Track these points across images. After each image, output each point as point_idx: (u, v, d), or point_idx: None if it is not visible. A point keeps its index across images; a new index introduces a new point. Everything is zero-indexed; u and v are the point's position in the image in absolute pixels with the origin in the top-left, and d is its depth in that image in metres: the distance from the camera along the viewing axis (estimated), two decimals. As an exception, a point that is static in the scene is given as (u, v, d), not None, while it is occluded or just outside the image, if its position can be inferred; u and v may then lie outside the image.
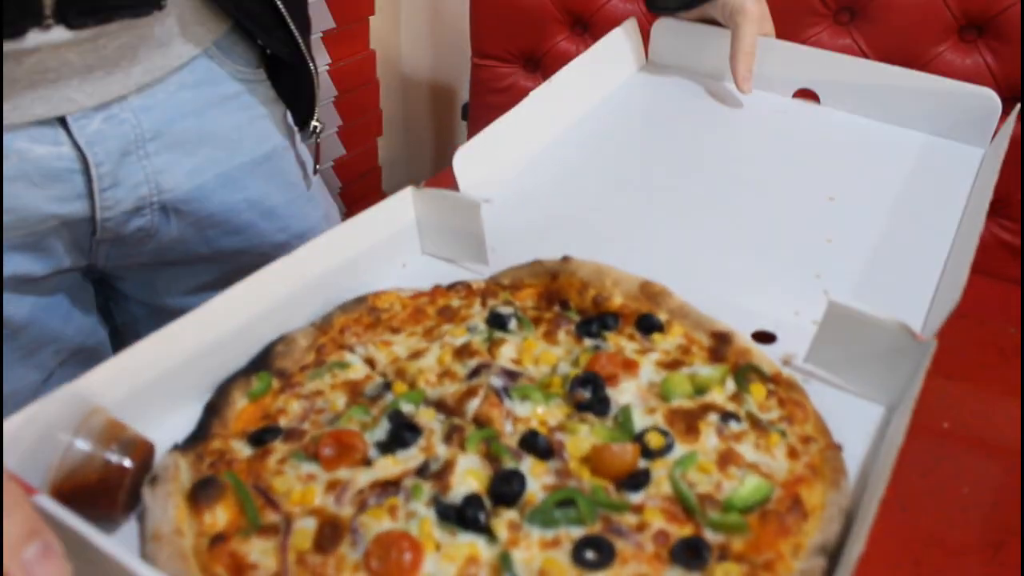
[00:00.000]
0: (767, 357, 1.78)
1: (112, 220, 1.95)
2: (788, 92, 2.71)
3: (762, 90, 2.71)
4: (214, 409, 1.68)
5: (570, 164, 2.48)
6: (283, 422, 1.67)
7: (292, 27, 2.02)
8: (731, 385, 1.73)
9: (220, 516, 1.49)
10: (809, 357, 1.80)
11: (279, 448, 1.60)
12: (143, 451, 1.50)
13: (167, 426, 1.69)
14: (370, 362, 1.80)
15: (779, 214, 2.27)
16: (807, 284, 1.99)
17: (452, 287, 1.97)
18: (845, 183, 2.29)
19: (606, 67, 2.75)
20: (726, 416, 1.64)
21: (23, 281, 1.94)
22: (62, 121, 1.79)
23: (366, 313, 1.88)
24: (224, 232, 2.15)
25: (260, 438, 1.62)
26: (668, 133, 2.56)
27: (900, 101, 2.54)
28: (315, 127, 2.23)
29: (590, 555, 1.42)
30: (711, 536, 1.46)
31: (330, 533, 1.46)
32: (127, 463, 1.46)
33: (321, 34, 3.84)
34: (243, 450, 1.61)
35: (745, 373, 1.74)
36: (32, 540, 0.91)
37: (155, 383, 1.66)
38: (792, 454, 1.59)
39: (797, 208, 2.27)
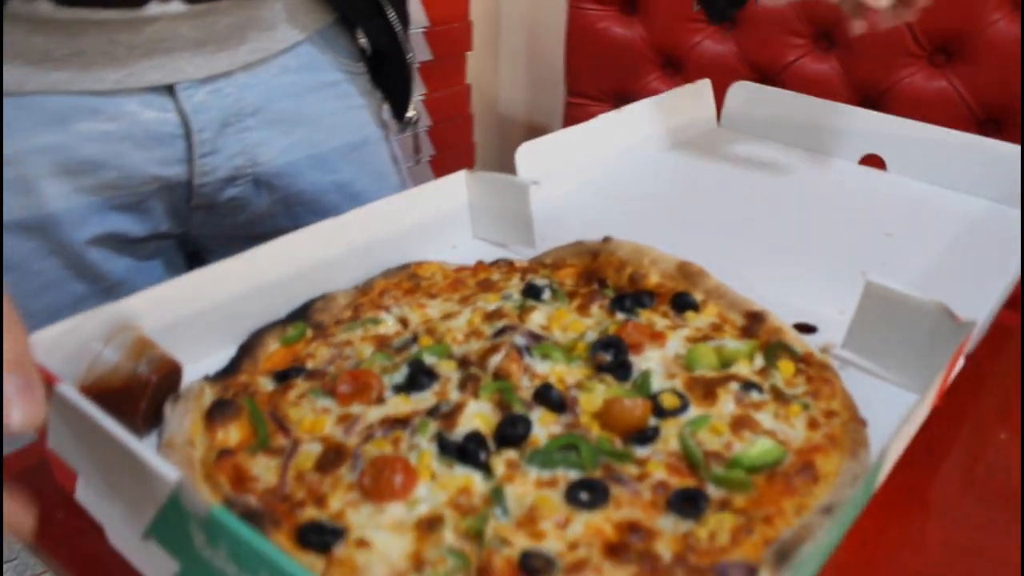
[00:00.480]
0: (801, 339, 1.71)
1: (208, 186, 2.04)
2: (854, 157, 2.66)
3: (827, 155, 2.68)
4: (247, 349, 1.72)
5: (627, 181, 2.47)
6: (309, 365, 1.69)
7: (391, 16, 2.12)
8: (760, 361, 1.66)
9: (232, 434, 1.51)
10: (847, 343, 1.71)
11: (300, 385, 1.62)
12: (169, 369, 1.54)
13: (202, 364, 1.73)
14: (403, 321, 1.81)
15: (835, 237, 2.21)
16: (857, 290, 1.91)
17: (495, 263, 1.97)
18: (903, 228, 2.20)
19: (676, 113, 2.75)
20: (748, 385, 1.57)
21: (122, 241, 2.04)
22: (170, 89, 1.90)
23: (406, 279, 1.90)
24: (311, 211, 2.23)
25: (284, 376, 1.64)
26: (730, 178, 2.53)
27: (968, 167, 2.45)
28: (410, 117, 2.31)
29: (583, 496, 1.38)
30: (713, 491, 1.39)
31: (332, 457, 1.46)
32: (151, 376, 1.50)
33: (419, 64, 3.97)
34: (267, 385, 1.63)
35: (775, 350, 1.67)
36: (15, 371, 0.92)
37: (195, 319, 1.70)
38: (812, 425, 1.51)
39: (853, 239, 2.19)
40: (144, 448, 1.19)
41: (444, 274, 1.92)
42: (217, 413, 1.52)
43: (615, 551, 1.29)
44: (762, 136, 2.75)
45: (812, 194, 2.36)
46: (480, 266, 1.96)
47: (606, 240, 1.91)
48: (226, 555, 1.16)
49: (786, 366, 1.63)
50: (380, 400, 1.56)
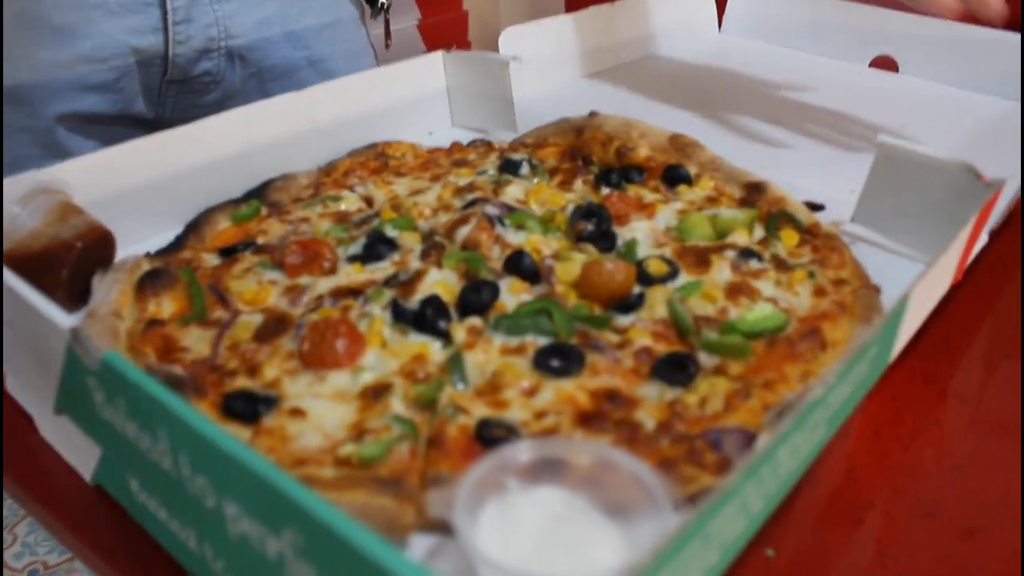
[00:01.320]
0: (806, 209, 1.48)
1: (182, 58, 1.89)
2: (865, 60, 2.39)
3: (835, 58, 2.41)
4: (194, 227, 1.50)
5: (619, 76, 2.23)
6: (260, 240, 1.47)
7: None
8: (760, 233, 1.44)
9: (166, 306, 1.30)
10: (857, 214, 1.48)
11: (247, 259, 1.40)
12: (97, 237, 1.33)
13: (145, 245, 1.52)
14: (367, 200, 1.59)
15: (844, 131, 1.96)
16: (839, 164, 1.67)
17: (472, 143, 1.75)
18: (918, 127, 1.94)
19: (676, 9, 2.52)
20: (746, 253, 1.35)
21: (91, 120, 1.89)
22: None
23: (373, 158, 1.67)
24: (284, 87, 2.08)
25: (231, 251, 1.43)
26: (730, 80, 2.28)
27: (988, 65, 2.17)
28: (383, 3, 2.16)
29: (554, 362, 1.15)
30: (704, 359, 1.17)
31: (273, 327, 1.24)
32: (75, 242, 1.29)
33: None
34: (211, 261, 1.42)
35: (776, 220, 1.44)
36: None
37: (137, 194, 1.49)
38: (819, 293, 1.28)
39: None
40: (39, 298, 0.99)
41: (416, 154, 1.71)
42: (149, 283, 1.31)
43: (588, 420, 1.07)
44: (765, 39, 2.51)
45: (819, 96, 2.11)
46: (456, 147, 1.73)
47: (592, 115, 1.69)
48: (124, 413, 0.95)
49: (789, 235, 1.40)
50: (332, 271, 1.34)
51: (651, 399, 1.10)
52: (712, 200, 1.49)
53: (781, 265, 1.33)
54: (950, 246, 1.20)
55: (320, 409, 1.09)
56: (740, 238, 1.39)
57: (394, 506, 0.95)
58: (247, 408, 1.08)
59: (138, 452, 0.94)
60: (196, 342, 1.22)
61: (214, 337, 1.22)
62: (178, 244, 1.46)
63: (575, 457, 0.96)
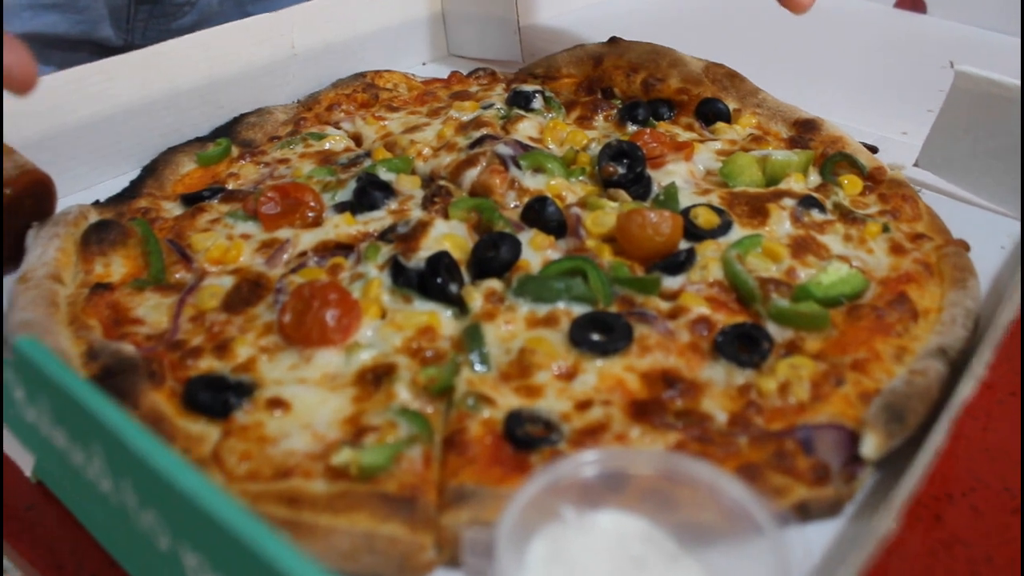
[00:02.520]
0: (867, 151, 1.22)
1: None
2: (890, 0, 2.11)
3: None
4: (152, 170, 1.21)
5: (638, 7, 1.94)
6: (231, 186, 1.19)
7: None
8: (815, 178, 1.18)
9: (116, 267, 1.02)
10: (923, 158, 1.23)
11: (214, 208, 1.12)
12: (29, 183, 1.03)
13: (95, 191, 1.24)
14: (355, 138, 1.30)
15: (878, 69, 1.68)
16: (918, 113, 1.42)
17: (473, 73, 1.47)
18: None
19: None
20: (807, 202, 1.09)
21: (50, 42, 1.58)
22: None
23: (362, 90, 1.39)
24: (265, 7, 1.76)
25: (195, 198, 1.14)
26: (753, 19, 1.96)
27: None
28: None
29: (595, 336, 0.90)
30: (774, 331, 0.93)
31: (247, 292, 0.97)
32: (2, 189, 1.01)
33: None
34: (173, 210, 1.14)
35: (834, 163, 1.19)
36: None
37: (83, 130, 1.18)
38: (897, 250, 1.03)
39: (900, 73, 1.66)
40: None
41: (410, 86, 1.42)
42: (95, 238, 1.03)
43: (644, 411, 0.82)
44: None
45: (845, 38, 1.81)
46: (455, 77, 1.45)
47: (613, 41, 1.41)
48: (49, 418, 0.69)
49: (852, 181, 1.14)
50: (317, 222, 1.07)
51: (717, 384, 0.85)
52: (757, 140, 1.22)
53: (847, 216, 1.07)
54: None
55: (307, 399, 0.83)
56: (795, 184, 1.13)
57: (407, 536, 0.70)
58: (214, 400, 0.81)
59: (70, 467, 0.68)
60: (152, 312, 0.95)
61: (174, 305, 0.95)
62: (133, 191, 1.17)
63: (638, 468, 0.71)
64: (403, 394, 0.83)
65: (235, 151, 1.25)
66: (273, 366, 0.86)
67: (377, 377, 0.84)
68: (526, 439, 0.78)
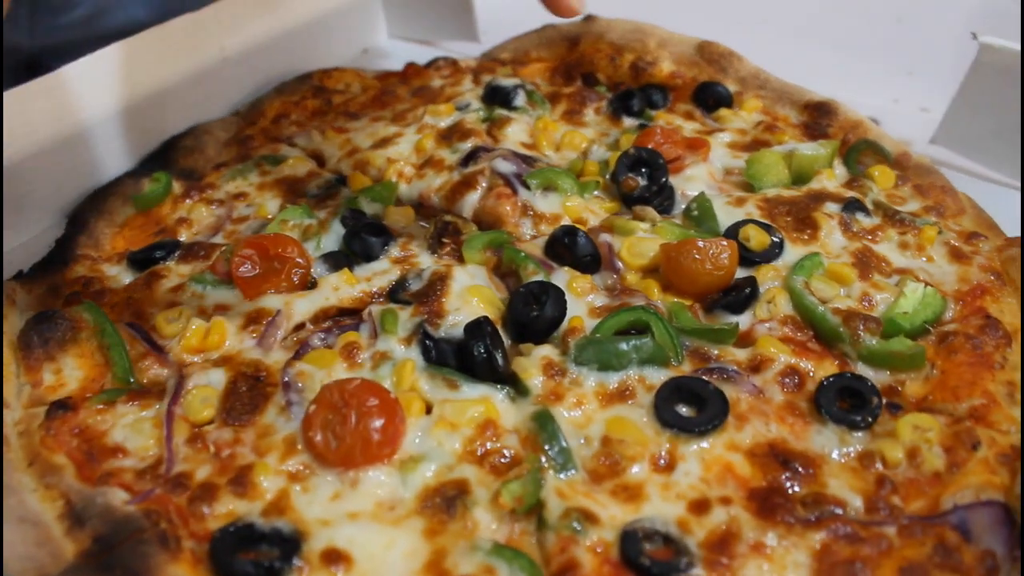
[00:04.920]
0: (889, 136, 1.09)
1: None
2: None
3: None
4: (80, 221, 0.96)
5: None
6: (184, 236, 0.96)
7: None
8: (841, 170, 1.05)
9: (70, 371, 0.80)
10: (941, 135, 1.11)
11: (174, 270, 0.90)
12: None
13: (14, 255, 0.98)
14: (316, 156, 1.09)
15: (842, 22, 1.53)
16: (899, 77, 1.30)
17: (432, 63, 1.25)
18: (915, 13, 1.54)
19: None
20: (850, 205, 0.95)
21: None
22: None
23: (310, 94, 1.16)
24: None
25: (147, 258, 0.92)
26: None
27: None
28: None
29: (685, 410, 0.76)
30: (870, 374, 0.80)
31: (247, 392, 0.76)
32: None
33: None
34: (121, 276, 0.91)
35: (860, 152, 1.05)
36: None
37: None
38: (958, 256, 0.91)
39: (863, 25, 1.52)
40: None
41: (363, 83, 1.20)
42: (37, 339, 0.79)
43: (769, 506, 0.68)
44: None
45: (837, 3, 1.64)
46: (412, 68, 1.23)
47: (589, 19, 1.22)
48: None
49: (884, 173, 1.01)
50: (306, 282, 0.87)
51: (832, 454, 0.72)
52: (769, 128, 1.07)
53: (893, 218, 0.94)
54: None
55: (368, 543, 0.65)
56: (828, 182, 0.99)
57: None
58: (257, 570, 0.62)
59: None
60: (133, 434, 0.74)
61: (159, 421, 0.74)
62: (63, 253, 0.92)
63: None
64: (486, 520, 0.66)
65: (177, 186, 1.01)
66: (311, 499, 0.67)
67: (448, 501, 0.67)
68: (653, 569, 0.62)
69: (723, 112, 1.11)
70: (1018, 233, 0.96)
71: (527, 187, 0.96)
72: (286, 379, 0.76)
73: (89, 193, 1.01)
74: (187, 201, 0.99)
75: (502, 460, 0.70)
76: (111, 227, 0.96)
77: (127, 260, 0.91)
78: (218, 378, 0.77)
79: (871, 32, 1.43)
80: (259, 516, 0.66)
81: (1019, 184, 1.07)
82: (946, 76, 1.21)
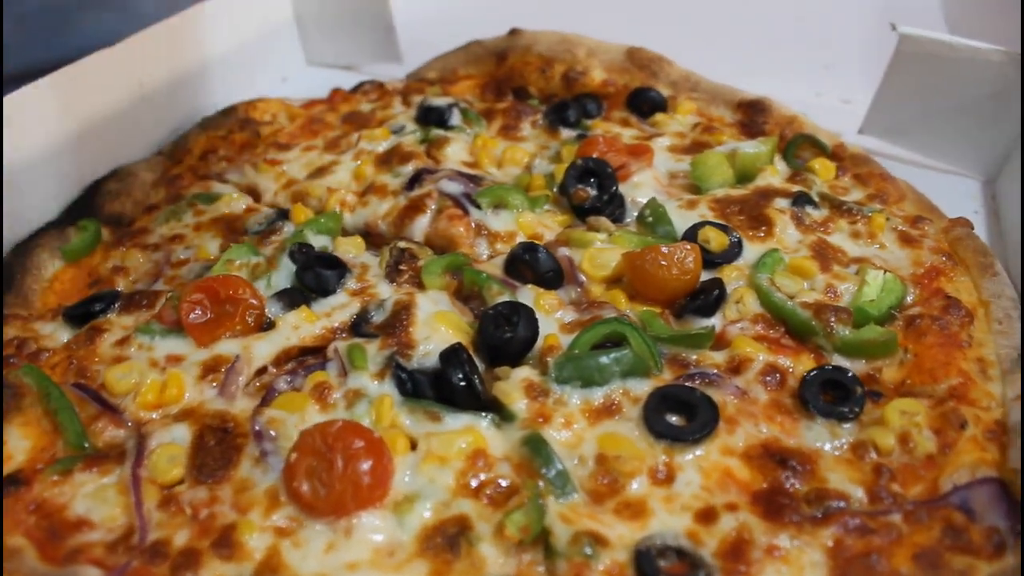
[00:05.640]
0: (823, 129, 1.11)
1: None
2: None
3: None
4: (5, 279, 0.89)
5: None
6: (122, 286, 0.90)
7: None
8: (782, 166, 1.06)
9: (15, 442, 0.73)
10: (868, 124, 1.13)
11: (116, 323, 0.83)
12: None
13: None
14: (252, 192, 1.04)
15: (740, 13, 1.56)
16: (817, 72, 1.34)
17: (358, 88, 1.21)
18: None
19: None
20: (799, 200, 0.96)
21: None
22: None
23: (237, 127, 1.10)
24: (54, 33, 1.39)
25: (85, 312, 0.85)
26: None
27: None
28: None
29: (675, 419, 0.74)
30: (846, 364, 0.80)
31: (216, 446, 0.71)
32: None
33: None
34: (57, 334, 0.84)
35: (798, 146, 1.07)
36: None
37: None
38: (908, 240, 0.92)
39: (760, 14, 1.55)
40: None
41: (290, 113, 1.15)
42: (-27, 409, 0.73)
43: (775, 508, 0.67)
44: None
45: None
46: (339, 94, 1.19)
47: (514, 33, 1.20)
48: None
49: (824, 166, 1.02)
50: (262, 322, 0.82)
51: (826, 448, 0.71)
52: (707, 130, 1.08)
53: (840, 208, 0.95)
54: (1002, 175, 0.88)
55: (374, 595, 0.61)
56: (773, 178, 1.00)
57: None
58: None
59: None
60: (97, 504, 0.68)
61: (124, 486, 0.68)
62: (-11, 314, 0.85)
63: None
64: (492, 556, 0.63)
65: (106, 233, 0.95)
66: (304, 553, 0.63)
67: (450, 539, 0.63)
68: (670, 584, 0.60)
69: (659, 117, 1.11)
70: (957, 214, 0.99)
71: (477, 206, 0.94)
72: (257, 428, 0.71)
73: (10, 249, 0.93)
74: (120, 248, 0.93)
75: (498, 491, 0.67)
76: (39, 282, 0.89)
77: (63, 316, 0.84)
78: (182, 434, 0.72)
79: (783, 29, 1.46)
80: (252, 578, 0.62)
81: (949, 167, 1.11)
82: (863, 67, 1.25)
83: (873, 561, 0.62)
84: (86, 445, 0.72)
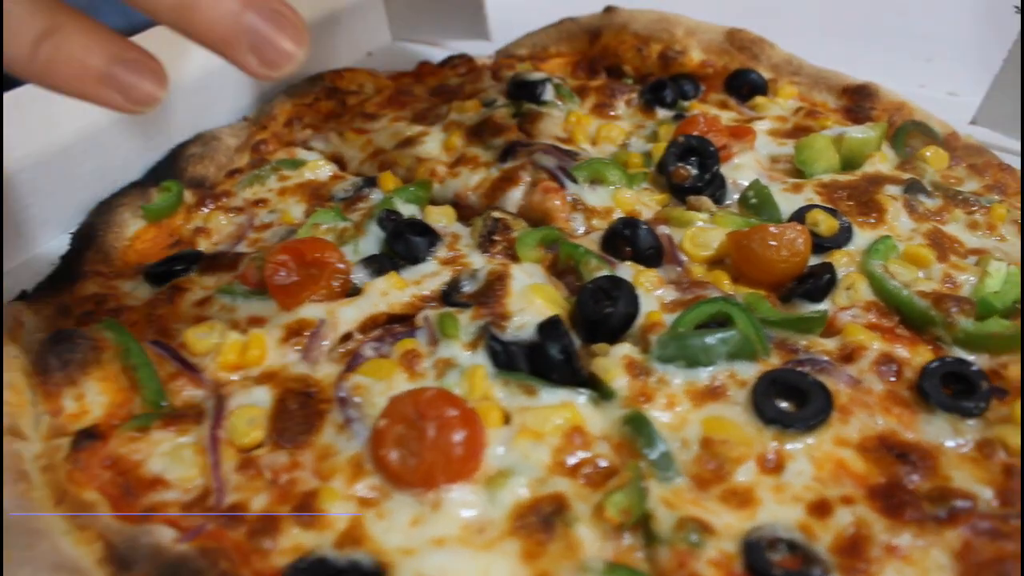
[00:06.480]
0: (934, 116, 1.04)
1: None
2: None
3: None
4: (88, 236, 0.87)
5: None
6: (204, 247, 0.88)
7: None
8: (890, 154, 0.99)
9: (93, 397, 0.70)
10: (982, 114, 1.06)
11: (196, 283, 0.81)
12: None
13: (13, 276, 0.89)
14: (337, 159, 1.01)
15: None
16: (920, 65, 1.27)
17: (447, 62, 1.17)
18: None
19: None
20: (911, 187, 0.90)
21: None
22: None
23: (323, 96, 1.08)
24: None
25: (166, 271, 0.83)
26: None
27: None
28: None
29: (785, 405, 0.69)
30: (970, 358, 0.74)
31: (299, 411, 0.68)
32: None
33: None
34: (138, 292, 0.82)
35: (907, 134, 1.00)
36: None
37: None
38: (1030, 232, 0.87)
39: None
40: None
41: (377, 84, 1.12)
42: (55, 362, 0.70)
43: (895, 504, 0.61)
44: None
45: None
46: (426, 67, 1.15)
47: (609, 10, 1.15)
48: None
49: (937, 155, 0.96)
50: (348, 288, 0.78)
51: (948, 443, 0.65)
52: (810, 114, 1.01)
53: (956, 199, 0.89)
54: None
55: (462, 572, 0.57)
56: (882, 165, 0.94)
57: None
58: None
59: None
60: (173, 463, 0.65)
61: (203, 446, 0.65)
62: (71, 270, 0.83)
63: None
64: (590, 538, 0.58)
65: (189, 196, 0.93)
66: (388, 525, 0.59)
67: (545, 519, 0.59)
68: (783, 579, 0.55)
69: (759, 100, 1.06)
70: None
71: (574, 180, 0.89)
72: (341, 394, 0.68)
73: (92, 207, 0.91)
74: (203, 210, 0.91)
75: (597, 470, 0.62)
76: (121, 241, 0.87)
77: (144, 275, 0.82)
78: (263, 396, 0.68)
79: (884, 20, 1.39)
80: (332, 548, 0.58)
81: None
82: (968, 61, 1.19)
83: (1008, 569, 0.56)
84: (163, 403, 0.69)
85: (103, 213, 0.89)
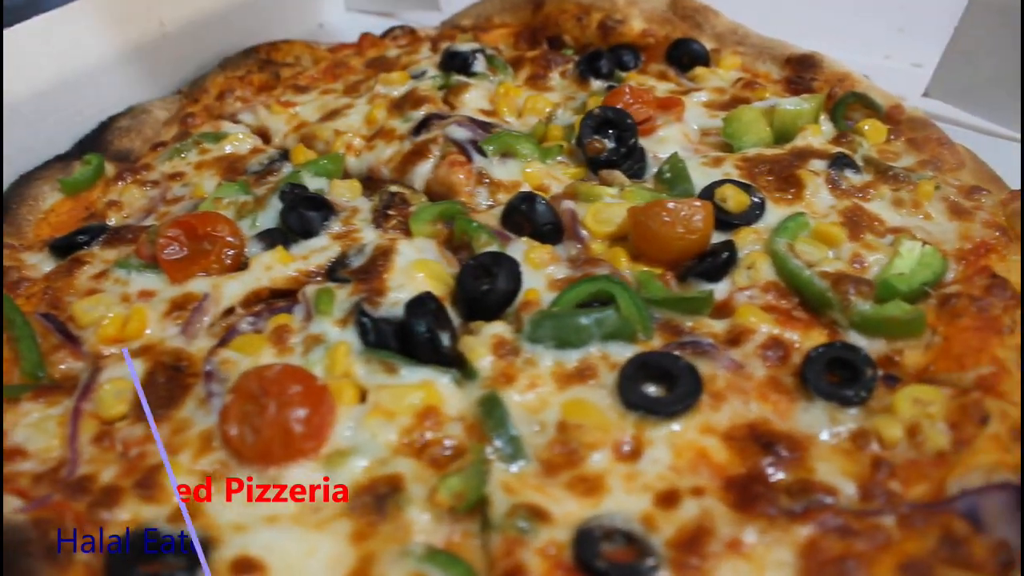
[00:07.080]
0: (879, 88, 1.00)
1: None
2: None
3: None
4: (2, 208, 0.89)
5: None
6: (114, 220, 0.88)
7: None
8: (827, 127, 0.95)
9: (-27, 369, 0.72)
10: (934, 86, 1.01)
11: (97, 257, 0.81)
12: None
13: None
14: (262, 133, 1.00)
15: None
16: (891, 35, 1.22)
17: (388, 32, 1.16)
18: None
19: None
20: (839, 162, 0.86)
21: None
22: None
23: (257, 68, 1.07)
24: None
25: (69, 244, 0.83)
26: None
27: None
28: None
29: (653, 390, 0.67)
30: (863, 343, 0.71)
31: (165, 384, 0.67)
32: None
33: None
34: (41, 265, 0.82)
35: (847, 106, 0.96)
36: None
37: None
38: (957, 212, 0.81)
39: None
40: None
41: (315, 56, 1.11)
42: (-68, 331, 0.72)
43: (749, 496, 0.59)
44: None
45: None
46: (367, 39, 1.14)
47: (552, -21, 1.12)
48: None
49: (875, 128, 0.91)
50: (239, 263, 0.78)
51: (821, 434, 0.62)
52: (749, 85, 0.98)
53: (886, 174, 0.85)
54: None
55: (287, 550, 0.56)
56: (814, 138, 0.90)
57: None
58: (154, 582, 0.54)
59: None
60: (36, 433, 0.65)
61: (66, 419, 0.65)
62: (-20, 241, 0.84)
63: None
64: (420, 521, 0.57)
65: (110, 169, 0.93)
66: (224, 501, 0.58)
67: (379, 499, 0.58)
68: (611, 573, 0.53)
69: (699, 71, 1.02)
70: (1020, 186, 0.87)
71: (483, 153, 0.87)
72: (208, 368, 0.67)
73: (15, 180, 0.92)
74: (119, 184, 0.91)
75: (443, 452, 0.61)
76: (35, 213, 0.88)
77: (48, 247, 0.82)
78: (135, 369, 0.69)
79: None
80: (165, 521, 0.57)
81: (1019, 135, 0.98)
82: (937, 31, 1.13)
83: (849, 568, 0.53)
84: (41, 375, 0.69)
85: (21, 187, 0.90)
